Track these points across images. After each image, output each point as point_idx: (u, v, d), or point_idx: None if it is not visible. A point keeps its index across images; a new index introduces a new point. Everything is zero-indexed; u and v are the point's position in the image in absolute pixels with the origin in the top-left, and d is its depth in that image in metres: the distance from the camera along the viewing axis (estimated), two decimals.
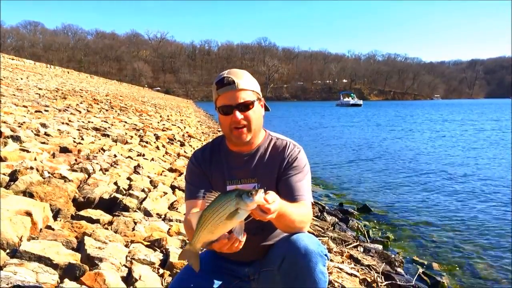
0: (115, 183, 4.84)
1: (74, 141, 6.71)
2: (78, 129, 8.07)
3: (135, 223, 3.78)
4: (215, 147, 2.24)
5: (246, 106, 2.01)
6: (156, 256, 3.15)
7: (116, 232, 3.49)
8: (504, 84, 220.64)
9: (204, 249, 1.84)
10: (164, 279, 2.90)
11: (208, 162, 2.19)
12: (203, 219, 1.63)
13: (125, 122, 11.94)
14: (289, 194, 2.01)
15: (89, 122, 9.68)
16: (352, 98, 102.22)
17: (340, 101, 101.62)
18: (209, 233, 1.63)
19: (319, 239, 2.48)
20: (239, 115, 1.99)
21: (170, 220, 4.13)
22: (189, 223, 1.85)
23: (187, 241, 1.81)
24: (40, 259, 2.59)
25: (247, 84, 2.02)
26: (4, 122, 6.67)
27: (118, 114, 14.15)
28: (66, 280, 2.45)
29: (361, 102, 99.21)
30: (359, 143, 21.76)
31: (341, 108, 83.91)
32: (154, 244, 3.37)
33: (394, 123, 38.39)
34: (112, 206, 4.21)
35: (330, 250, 4.98)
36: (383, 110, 74.59)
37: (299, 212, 1.93)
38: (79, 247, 2.97)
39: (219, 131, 20.66)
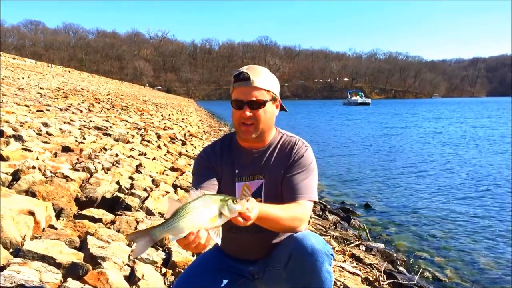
0: (117, 182, 4.84)
1: (76, 141, 6.72)
2: (80, 129, 8.08)
3: (138, 222, 3.78)
4: (226, 143, 2.24)
5: (257, 105, 2.01)
6: (158, 255, 3.16)
7: (118, 231, 3.49)
8: (506, 82, 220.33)
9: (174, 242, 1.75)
10: (167, 278, 2.90)
11: (219, 157, 2.18)
12: (182, 212, 1.59)
13: (127, 121, 11.95)
14: (289, 193, 2.02)
15: (90, 121, 9.69)
16: (360, 97, 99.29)
17: (348, 100, 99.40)
18: (181, 230, 1.58)
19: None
20: (248, 112, 2.00)
21: None
22: None
23: (147, 228, 1.73)
24: (43, 258, 2.59)
25: (262, 83, 2.01)
26: (6, 122, 6.67)
27: (120, 113, 14.16)
28: (69, 279, 2.45)
29: (369, 100, 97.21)
30: (361, 142, 21.75)
31: (349, 107, 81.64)
32: (157, 243, 3.37)
33: (400, 122, 38.43)
34: (114, 205, 4.21)
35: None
36: (392, 109, 73.29)
37: (288, 212, 1.91)
38: (82, 246, 2.97)
39: (220, 130, 20.68)
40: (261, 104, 2.01)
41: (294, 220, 1.94)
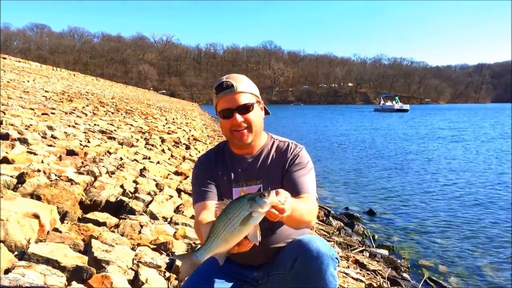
0: (121, 186, 4.85)
1: (81, 144, 6.75)
2: (85, 132, 8.11)
3: (142, 226, 3.79)
4: (220, 151, 2.27)
5: (246, 109, 2.04)
6: (162, 260, 3.16)
7: (122, 235, 3.50)
8: (511, 88, 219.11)
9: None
10: (171, 283, 2.90)
11: (214, 166, 2.21)
12: (216, 229, 1.59)
13: (131, 125, 11.99)
14: (293, 189, 2.02)
15: (95, 125, 9.73)
16: (396, 102, 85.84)
17: (381, 106, 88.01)
18: (224, 243, 1.59)
19: None
20: (239, 117, 2.02)
21: (176, 224, 4.13)
22: (199, 232, 1.86)
23: (191, 251, 1.74)
24: (48, 261, 2.60)
25: (245, 87, 2.06)
26: (12, 125, 6.71)
27: (124, 117, 14.21)
28: (73, 282, 2.46)
29: (407, 106, 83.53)
30: (366, 149, 21.71)
31: (384, 114, 69.90)
32: (161, 247, 3.37)
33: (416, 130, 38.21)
34: (118, 209, 4.22)
35: None
36: (439, 116, 62.53)
37: (307, 206, 1.93)
38: (86, 250, 2.98)
39: None
40: (250, 107, 2.05)
41: (311, 213, 1.96)
